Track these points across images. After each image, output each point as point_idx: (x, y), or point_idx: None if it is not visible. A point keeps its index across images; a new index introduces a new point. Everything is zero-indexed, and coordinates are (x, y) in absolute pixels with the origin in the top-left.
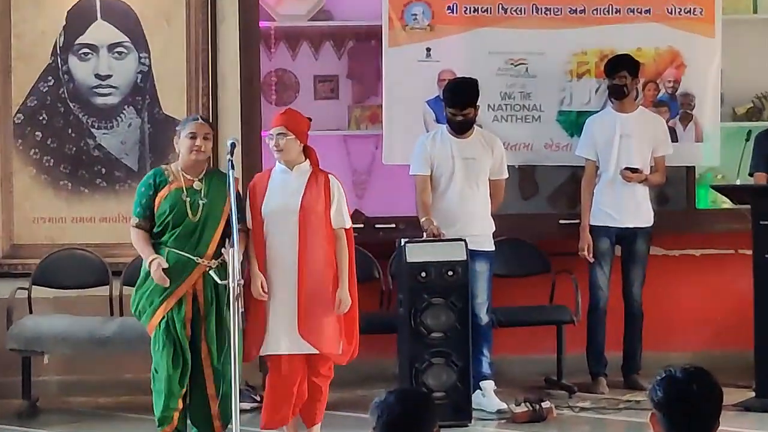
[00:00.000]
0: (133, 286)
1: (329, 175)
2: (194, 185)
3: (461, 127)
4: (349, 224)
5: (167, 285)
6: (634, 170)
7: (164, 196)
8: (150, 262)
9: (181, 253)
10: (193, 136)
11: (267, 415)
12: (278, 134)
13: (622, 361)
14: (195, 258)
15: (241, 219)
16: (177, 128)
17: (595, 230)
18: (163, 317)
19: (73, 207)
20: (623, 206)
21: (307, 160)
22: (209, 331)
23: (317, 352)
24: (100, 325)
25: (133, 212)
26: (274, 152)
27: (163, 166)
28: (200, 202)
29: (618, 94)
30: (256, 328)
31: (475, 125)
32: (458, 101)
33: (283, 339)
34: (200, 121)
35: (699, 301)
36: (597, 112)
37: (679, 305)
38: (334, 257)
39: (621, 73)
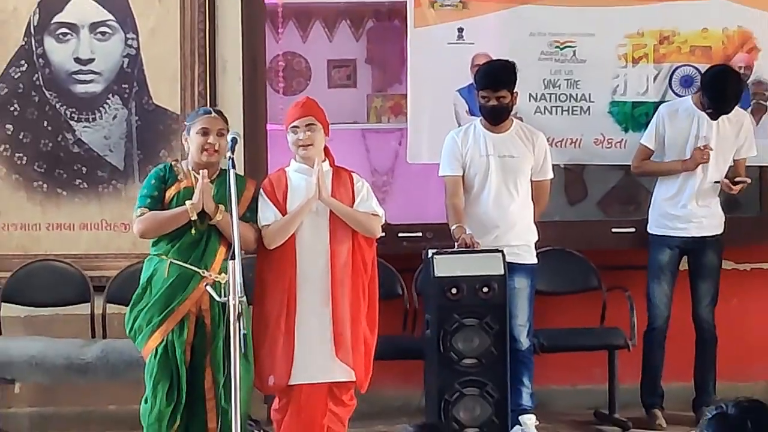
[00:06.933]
0: (118, 304)
1: (352, 173)
2: None
3: (495, 115)
4: (380, 212)
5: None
6: (738, 182)
7: (171, 197)
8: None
9: (184, 265)
10: (205, 133)
11: None
12: (307, 126)
13: (694, 393)
14: (200, 271)
15: (251, 219)
16: (186, 123)
17: (654, 240)
18: (162, 341)
19: (49, 212)
20: (690, 213)
21: (326, 158)
22: (215, 357)
23: (352, 379)
24: (80, 349)
25: (138, 204)
26: (299, 149)
27: (172, 162)
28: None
29: (711, 117)
30: (286, 350)
31: (514, 118)
32: (490, 81)
33: (313, 363)
34: (213, 114)
35: None
36: (655, 103)
37: (750, 327)
38: (364, 265)
39: (731, 109)
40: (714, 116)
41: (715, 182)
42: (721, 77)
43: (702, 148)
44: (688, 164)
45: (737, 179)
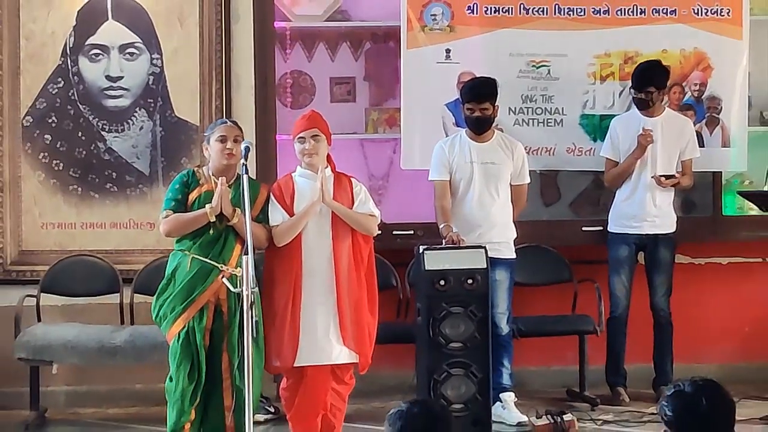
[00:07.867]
0: (144, 294)
1: (351, 178)
2: None
3: (479, 125)
4: (377, 213)
5: (214, 213)
6: (668, 176)
7: (193, 199)
8: (209, 209)
9: (204, 260)
10: (224, 140)
11: (298, 428)
12: (312, 137)
13: (654, 374)
14: (219, 265)
15: (263, 220)
16: (205, 134)
17: (613, 237)
18: (184, 327)
19: (83, 212)
20: (644, 213)
21: (328, 165)
22: (231, 341)
23: (353, 361)
24: (110, 334)
25: (164, 207)
26: (305, 157)
27: (195, 168)
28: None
29: (643, 107)
30: (292, 335)
31: (495, 129)
32: (475, 95)
33: (317, 347)
34: (229, 123)
35: (725, 311)
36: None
37: (705, 315)
38: (362, 260)
39: (648, 89)
40: (640, 102)
41: (661, 176)
42: (645, 67)
43: (643, 132)
44: (637, 152)
45: (667, 173)
